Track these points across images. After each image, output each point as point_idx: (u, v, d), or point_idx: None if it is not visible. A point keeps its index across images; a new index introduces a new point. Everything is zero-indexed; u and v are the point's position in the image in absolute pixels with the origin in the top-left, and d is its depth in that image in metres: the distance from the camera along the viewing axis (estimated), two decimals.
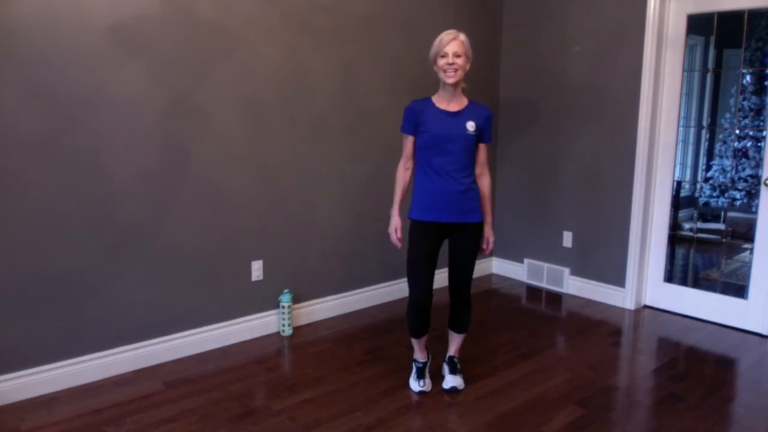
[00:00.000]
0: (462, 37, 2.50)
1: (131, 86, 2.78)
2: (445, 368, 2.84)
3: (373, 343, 3.32)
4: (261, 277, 3.38)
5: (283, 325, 3.41)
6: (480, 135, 2.61)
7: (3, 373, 2.58)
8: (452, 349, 2.83)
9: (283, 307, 3.39)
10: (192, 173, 3.03)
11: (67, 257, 2.68)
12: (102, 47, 2.67)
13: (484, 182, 2.69)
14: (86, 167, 2.69)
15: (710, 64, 3.65)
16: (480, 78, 4.45)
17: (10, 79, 2.45)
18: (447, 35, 2.49)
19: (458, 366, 2.83)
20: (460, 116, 2.56)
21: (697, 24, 3.63)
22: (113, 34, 2.70)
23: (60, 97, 2.58)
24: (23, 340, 2.61)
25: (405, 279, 4.06)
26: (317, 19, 3.43)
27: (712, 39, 3.57)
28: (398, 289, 4.08)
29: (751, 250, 3.48)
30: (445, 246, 2.74)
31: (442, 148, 2.54)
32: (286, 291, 3.41)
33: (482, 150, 2.67)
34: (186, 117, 2.97)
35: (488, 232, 2.71)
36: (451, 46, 2.47)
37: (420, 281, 2.60)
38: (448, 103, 2.58)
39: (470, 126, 2.56)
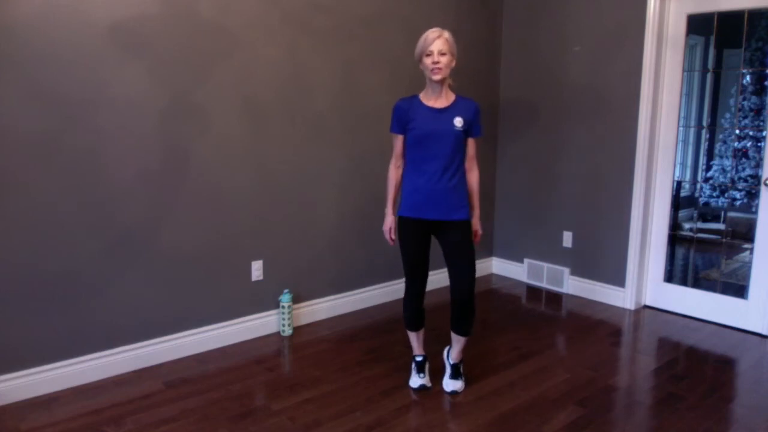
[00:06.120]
0: (446, 35, 2.49)
1: (131, 86, 2.78)
2: (447, 373, 2.81)
3: (372, 343, 3.32)
4: (261, 277, 3.38)
5: (283, 325, 3.41)
6: (468, 130, 2.60)
7: (3, 373, 2.58)
8: (454, 354, 2.75)
9: (283, 307, 3.39)
10: (192, 173, 3.03)
11: (67, 257, 2.68)
12: (102, 47, 2.67)
13: (473, 176, 2.70)
14: (86, 167, 2.69)
15: (710, 64, 3.65)
16: (480, 78, 4.45)
17: (10, 79, 2.45)
18: (431, 33, 2.48)
19: (461, 371, 2.79)
20: (448, 112, 2.56)
21: (697, 24, 3.63)
22: (113, 34, 2.70)
23: (60, 97, 2.58)
24: (23, 340, 2.61)
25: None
26: (317, 19, 3.43)
27: (712, 39, 3.57)
28: (398, 289, 4.08)
29: (751, 250, 3.48)
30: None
31: (430, 146, 2.54)
32: (286, 291, 3.41)
33: (471, 144, 2.66)
34: (186, 117, 2.97)
35: (476, 225, 2.73)
36: (436, 45, 2.46)
37: (410, 278, 2.71)
38: (436, 99, 2.57)
39: (458, 122, 2.55)
